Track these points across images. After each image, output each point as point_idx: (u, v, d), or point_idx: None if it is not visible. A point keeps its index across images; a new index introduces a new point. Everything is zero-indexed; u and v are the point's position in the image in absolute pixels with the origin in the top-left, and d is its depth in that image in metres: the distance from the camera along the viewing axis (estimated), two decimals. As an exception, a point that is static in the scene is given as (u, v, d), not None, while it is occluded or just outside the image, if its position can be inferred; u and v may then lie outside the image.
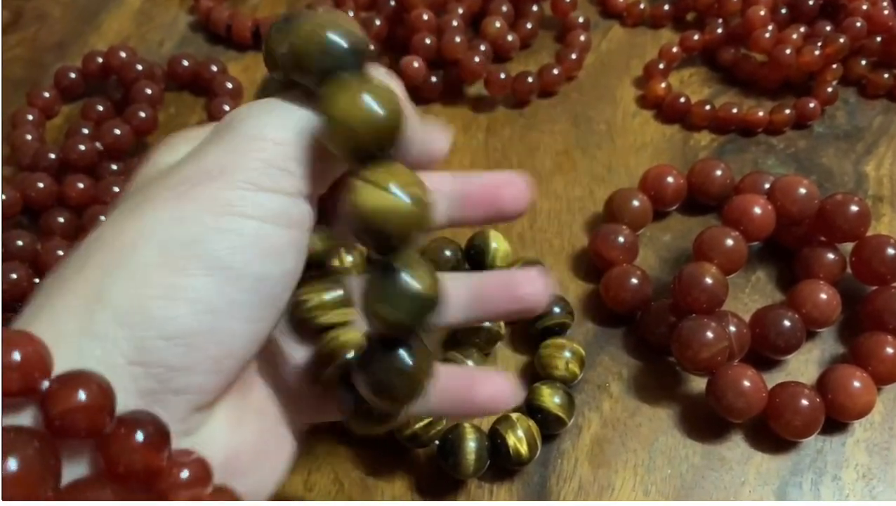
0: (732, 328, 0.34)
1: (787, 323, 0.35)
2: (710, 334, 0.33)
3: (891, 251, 0.36)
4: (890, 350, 0.34)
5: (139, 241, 0.21)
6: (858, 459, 0.34)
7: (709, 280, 0.34)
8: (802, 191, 0.37)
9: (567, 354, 0.35)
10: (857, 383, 0.33)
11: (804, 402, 0.33)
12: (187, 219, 0.21)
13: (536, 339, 0.36)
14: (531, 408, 0.34)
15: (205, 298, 0.20)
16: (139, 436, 0.18)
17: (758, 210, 0.36)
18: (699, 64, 0.50)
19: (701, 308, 0.34)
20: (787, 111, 0.45)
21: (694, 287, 0.34)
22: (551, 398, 0.33)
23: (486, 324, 0.36)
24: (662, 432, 0.35)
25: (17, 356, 0.17)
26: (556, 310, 0.36)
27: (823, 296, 0.36)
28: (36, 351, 0.18)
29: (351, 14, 0.51)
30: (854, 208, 0.36)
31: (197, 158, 0.22)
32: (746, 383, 0.33)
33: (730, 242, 0.35)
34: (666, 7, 0.51)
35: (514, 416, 0.33)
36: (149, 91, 0.46)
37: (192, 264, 0.20)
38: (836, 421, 0.34)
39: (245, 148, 0.22)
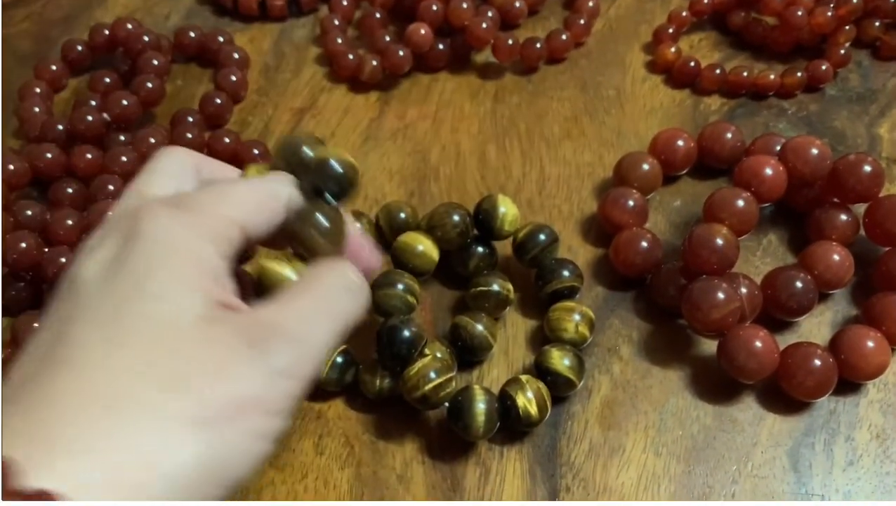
0: (744, 290, 0.34)
1: (799, 284, 0.35)
2: (720, 295, 0.33)
3: (905, 212, 0.36)
4: (903, 310, 0.34)
5: None
6: (872, 419, 0.33)
7: (719, 241, 0.34)
8: (815, 151, 0.36)
9: (577, 316, 0.35)
10: (870, 344, 0.33)
11: (817, 362, 0.33)
12: (225, 449, 0.21)
13: (546, 303, 0.36)
14: (541, 370, 0.33)
15: None
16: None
17: (769, 171, 0.36)
18: (709, 28, 0.49)
19: (712, 269, 0.34)
20: (799, 74, 0.44)
21: (704, 248, 0.34)
22: (561, 361, 0.33)
23: (495, 288, 0.36)
24: (673, 394, 0.34)
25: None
26: (566, 273, 0.36)
27: (836, 257, 0.36)
28: None
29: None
30: (867, 169, 0.36)
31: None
32: (758, 344, 0.33)
33: (741, 203, 0.35)
34: (675, -29, 0.51)
35: (524, 378, 0.33)
36: (155, 62, 0.46)
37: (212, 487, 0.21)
38: (849, 382, 0.34)
39: (280, 384, 0.23)
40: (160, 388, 0.21)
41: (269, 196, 0.26)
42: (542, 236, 0.37)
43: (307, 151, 0.27)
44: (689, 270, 0.35)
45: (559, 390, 0.33)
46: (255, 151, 0.43)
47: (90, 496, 0.18)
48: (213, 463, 0.21)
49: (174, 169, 0.27)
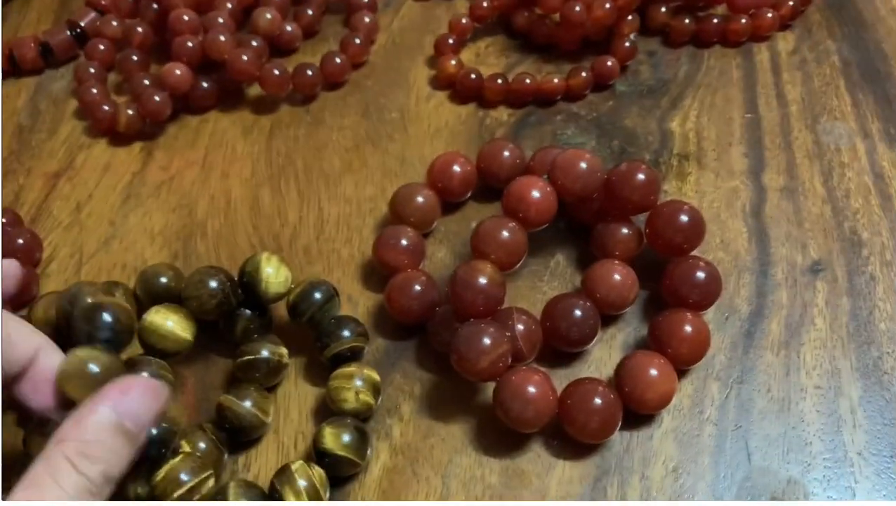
0: (520, 326, 0.31)
1: (578, 313, 0.32)
2: (486, 341, 0.30)
3: (684, 218, 0.33)
4: (689, 329, 0.32)
5: None
6: (667, 452, 0.31)
7: (482, 280, 0.31)
8: (583, 166, 0.33)
9: (358, 382, 0.31)
10: (653, 372, 0.30)
11: (598, 401, 0.30)
12: None
13: (329, 367, 0.33)
14: (317, 452, 0.30)
15: None
16: None
17: (536, 194, 0.33)
18: (497, 32, 0.47)
19: (478, 312, 0.31)
20: (584, 74, 0.42)
21: (468, 290, 0.31)
22: (337, 439, 0.30)
23: (264, 354, 0.32)
24: (457, 452, 0.31)
25: None
26: (346, 333, 0.32)
27: (617, 277, 0.33)
28: None
29: (114, 23, 0.46)
30: (641, 177, 0.33)
31: None
32: (532, 390, 0.30)
33: (505, 234, 0.32)
34: (457, -26, 0.48)
35: (295, 466, 0.29)
36: None
37: None
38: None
39: None
40: None
41: None
42: (318, 295, 0.33)
43: (84, 299, 0.28)
44: (458, 313, 0.32)
45: (341, 471, 0.30)
46: (3, 220, 0.38)
47: None
48: None
49: None
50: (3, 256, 0.36)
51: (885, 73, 0.44)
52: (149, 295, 0.33)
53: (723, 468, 0.30)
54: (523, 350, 0.31)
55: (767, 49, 0.45)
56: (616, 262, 0.34)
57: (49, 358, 0.26)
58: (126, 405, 0.24)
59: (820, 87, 0.43)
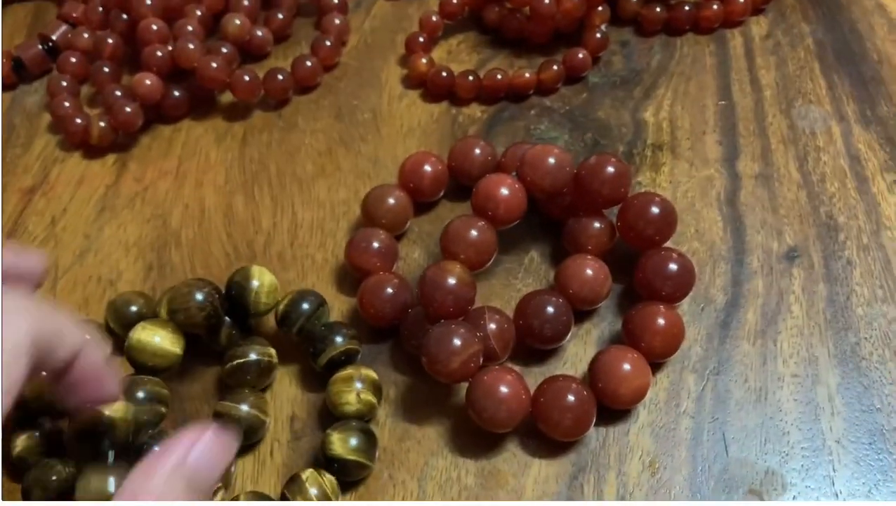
0: (492, 326, 0.31)
1: (550, 309, 0.32)
2: (457, 341, 0.29)
3: (655, 210, 0.33)
4: (661, 321, 0.31)
5: None
6: (644, 446, 0.31)
7: (452, 281, 0.31)
8: (551, 161, 0.33)
9: (358, 384, 0.31)
10: (626, 367, 0.30)
11: (571, 398, 0.30)
12: None
13: (326, 375, 0.32)
14: (327, 459, 0.30)
15: None
16: None
17: (504, 191, 0.33)
18: (469, 28, 0.46)
19: (448, 312, 0.31)
20: (556, 67, 0.41)
21: (437, 291, 0.31)
22: (344, 444, 0.29)
23: (253, 356, 0.32)
24: (433, 455, 0.31)
25: None
26: (339, 339, 0.32)
27: (589, 272, 0.33)
28: None
29: (85, 35, 0.46)
30: (610, 170, 0.33)
31: None
32: (504, 389, 0.29)
33: (474, 233, 0.32)
34: (427, -29, 0.47)
35: (305, 474, 0.29)
36: None
37: None
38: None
39: None
40: None
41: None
42: (306, 305, 0.33)
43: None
44: (429, 314, 0.31)
45: (351, 475, 0.30)
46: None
47: None
48: None
49: None
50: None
51: (859, 55, 0.43)
52: (121, 325, 0.33)
53: (700, 461, 0.30)
54: (496, 349, 0.31)
55: (741, 34, 0.45)
56: (588, 257, 0.33)
57: (92, 355, 0.25)
58: (197, 458, 0.22)
59: (794, 71, 0.43)
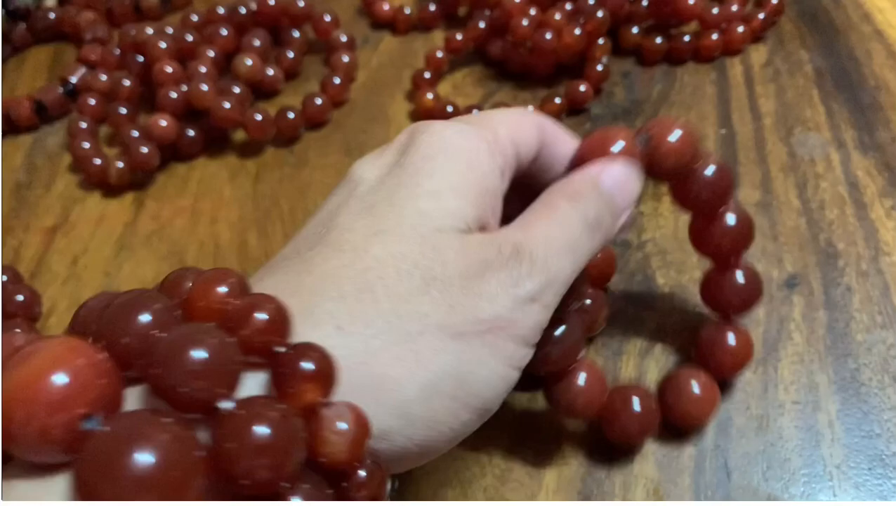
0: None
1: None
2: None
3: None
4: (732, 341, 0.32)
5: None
6: (648, 474, 0.31)
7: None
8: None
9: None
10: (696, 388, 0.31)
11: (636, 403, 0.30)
12: (474, 362, 0.21)
13: None
14: None
15: (455, 427, 0.21)
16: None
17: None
18: (474, 62, 0.47)
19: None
20: (558, 100, 0.42)
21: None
22: None
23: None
24: (441, 486, 0.32)
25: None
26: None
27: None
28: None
29: (103, 77, 0.48)
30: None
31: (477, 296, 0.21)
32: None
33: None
34: (432, 7, 0.49)
35: None
36: None
37: (459, 403, 0.21)
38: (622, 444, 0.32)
39: (527, 309, 0.22)
40: (413, 285, 0.20)
41: (534, 125, 0.26)
42: None
43: None
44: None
45: None
46: (4, 277, 0.39)
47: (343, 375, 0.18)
48: (463, 377, 0.21)
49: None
50: (4, 314, 0.38)
51: (857, 81, 0.44)
52: None
53: (703, 488, 0.31)
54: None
55: (741, 62, 0.46)
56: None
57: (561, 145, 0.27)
58: (613, 178, 0.25)
59: (793, 99, 0.43)
